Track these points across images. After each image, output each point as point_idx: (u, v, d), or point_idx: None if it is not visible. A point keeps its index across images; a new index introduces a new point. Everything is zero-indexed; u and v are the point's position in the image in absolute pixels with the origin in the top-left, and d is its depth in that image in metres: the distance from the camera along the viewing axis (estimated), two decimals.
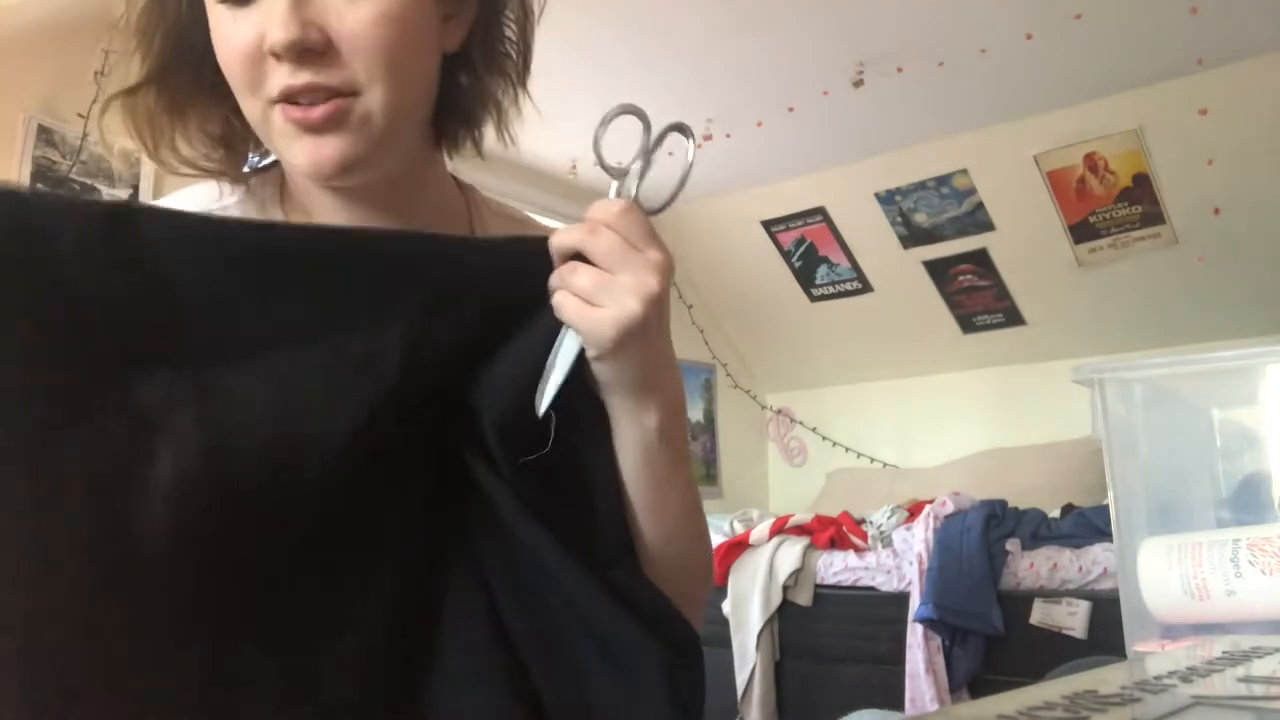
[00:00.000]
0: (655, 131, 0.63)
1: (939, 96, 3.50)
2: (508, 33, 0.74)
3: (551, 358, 0.58)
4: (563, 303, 0.58)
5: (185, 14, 0.67)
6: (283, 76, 0.62)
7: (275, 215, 0.74)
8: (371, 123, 0.64)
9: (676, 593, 0.63)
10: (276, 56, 0.61)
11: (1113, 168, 3.68)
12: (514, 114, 0.77)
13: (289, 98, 0.62)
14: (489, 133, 0.77)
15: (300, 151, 0.64)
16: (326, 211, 0.72)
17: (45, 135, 2.65)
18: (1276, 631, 0.75)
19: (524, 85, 0.76)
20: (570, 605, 0.57)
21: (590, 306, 0.58)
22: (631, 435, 0.63)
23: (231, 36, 0.63)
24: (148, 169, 2.83)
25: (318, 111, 0.62)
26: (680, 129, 0.63)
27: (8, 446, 0.47)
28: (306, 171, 0.65)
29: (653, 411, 0.62)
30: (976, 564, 2.84)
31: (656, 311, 0.58)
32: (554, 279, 0.59)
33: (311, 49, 0.61)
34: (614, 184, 0.62)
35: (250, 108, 0.65)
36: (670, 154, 0.65)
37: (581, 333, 0.58)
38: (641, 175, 0.62)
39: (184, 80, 0.69)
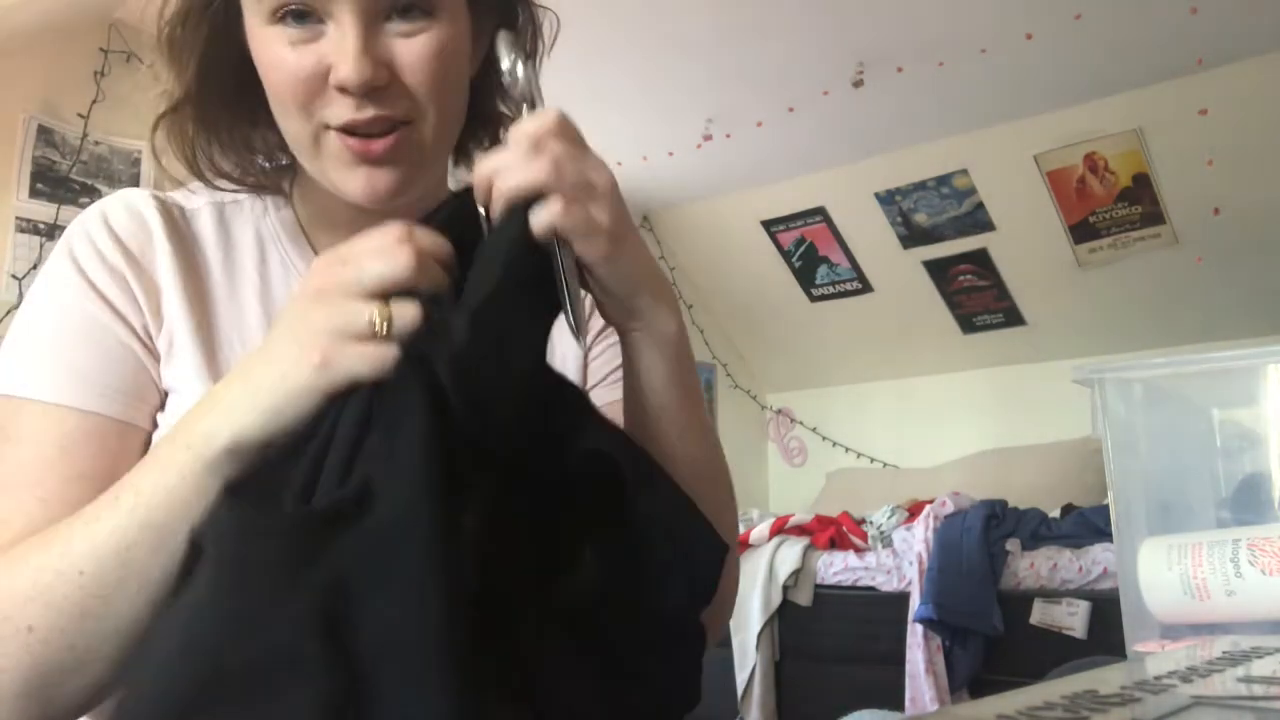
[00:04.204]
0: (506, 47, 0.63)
1: (939, 96, 3.50)
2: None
3: (561, 282, 0.55)
4: (557, 213, 0.54)
5: (220, 31, 0.66)
6: (345, 109, 0.62)
7: (284, 213, 0.75)
8: (424, 150, 0.66)
9: (720, 501, 0.69)
10: (343, 90, 0.62)
11: (1113, 168, 3.68)
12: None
13: (349, 129, 0.63)
14: None
15: (355, 180, 0.65)
16: (344, 215, 0.72)
17: (45, 135, 2.66)
18: (1276, 631, 0.75)
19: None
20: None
21: (579, 212, 0.55)
22: (655, 349, 0.61)
23: (289, 62, 0.62)
24: (147, 170, 2.82)
25: (379, 145, 0.63)
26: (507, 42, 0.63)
27: None
28: (359, 198, 0.65)
29: (672, 313, 0.61)
30: (976, 564, 2.84)
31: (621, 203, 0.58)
32: (542, 213, 0.54)
33: (378, 86, 0.62)
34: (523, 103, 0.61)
35: (296, 130, 0.65)
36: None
37: (581, 237, 0.55)
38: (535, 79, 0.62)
39: (216, 97, 0.69)
